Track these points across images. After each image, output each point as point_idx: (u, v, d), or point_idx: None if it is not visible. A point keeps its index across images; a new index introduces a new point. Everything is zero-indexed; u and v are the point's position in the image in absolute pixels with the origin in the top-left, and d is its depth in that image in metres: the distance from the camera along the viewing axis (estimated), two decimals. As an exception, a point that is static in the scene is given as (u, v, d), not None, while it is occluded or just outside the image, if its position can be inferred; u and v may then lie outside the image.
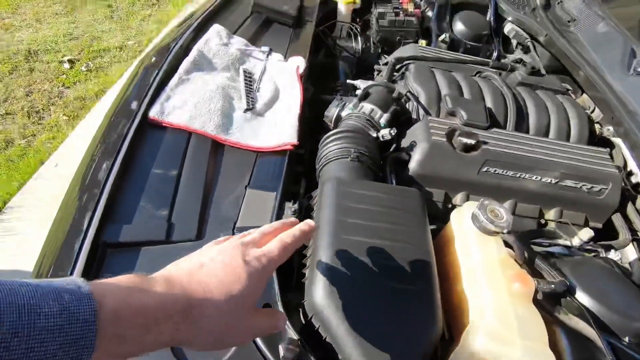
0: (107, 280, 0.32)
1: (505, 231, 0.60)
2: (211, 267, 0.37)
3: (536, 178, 0.80)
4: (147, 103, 0.75)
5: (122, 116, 0.74)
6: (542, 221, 0.84)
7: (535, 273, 0.63)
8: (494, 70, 1.05)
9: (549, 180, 0.80)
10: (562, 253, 0.74)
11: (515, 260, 0.60)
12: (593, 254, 0.76)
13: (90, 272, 0.54)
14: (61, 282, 0.29)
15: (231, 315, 0.36)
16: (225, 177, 0.70)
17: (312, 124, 1.00)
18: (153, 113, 0.73)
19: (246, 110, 0.83)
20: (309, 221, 0.45)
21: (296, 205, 0.65)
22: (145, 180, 0.65)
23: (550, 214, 0.84)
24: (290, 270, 0.64)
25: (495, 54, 1.24)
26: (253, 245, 0.40)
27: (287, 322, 0.52)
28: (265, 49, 0.99)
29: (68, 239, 0.57)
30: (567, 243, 0.74)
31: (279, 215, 0.65)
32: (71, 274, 0.52)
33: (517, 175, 0.80)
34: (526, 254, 0.61)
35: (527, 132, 0.91)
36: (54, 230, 0.64)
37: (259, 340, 0.51)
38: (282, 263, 0.41)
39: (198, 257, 0.39)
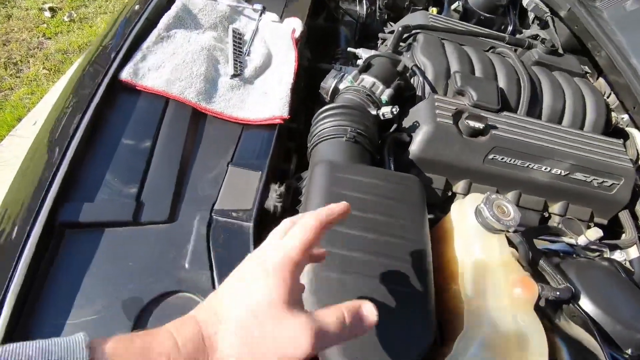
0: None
1: (511, 230, 0.54)
2: (228, 280, 0.32)
3: (545, 169, 0.74)
4: (120, 61, 0.66)
5: (92, 74, 0.65)
6: (546, 214, 0.79)
7: (538, 275, 0.58)
8: (509, 46, 0.95)
9: (558, 172, 0.74)
10: (566, 251, 0.69)
11: (519, 262, 0.55)
12: (597, 253, 0.72)
13: (45, 255, 0.47)
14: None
15: (256, 323, 0.28)
16: (205, 151, 0.63)
17: (308, 94, 0.92)
18: (125, 74, 0.64)
19: (233, 76, 0.74)
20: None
21: (282, 188, 0.59)
22: (113, 152, 0.57)
23: (555, 208, 0.79)
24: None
25: (510, 28, 1.14)
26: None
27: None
28: (259, 6, 0.89)
29: (22, 215, 0.50)
30: (572, 241, 0.69)
31: (262, 197, 0.58)
32: (20, 255, 0.45)
33: (526, 165, 0.74)
34: (531, 255, 0.56)
35: (540, 117, 0.84)
36: (15, 190, 0.56)
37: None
38: (313, 244, 0.33)
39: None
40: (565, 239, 0.69)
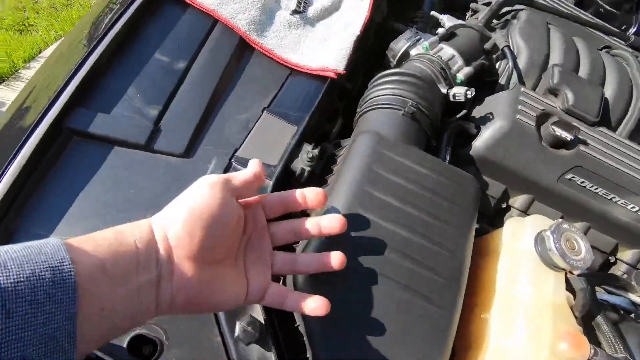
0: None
1: (575, 272, 0.44)
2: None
3: (632, 207, 0.61)
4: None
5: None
6: (612, 259, 0.67)
7: (589, 331, 0.48)
8: (631, 50, 0.78)
9: (646, 215, 0.61)
10: (628, 309, 0.57)
11: (572, 311, 0.45)
12: (665, 322, 0.59)
13: (44, 156, 0.43)
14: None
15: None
16: (242, 89, 0.55)
17: (374, 55, 0.80)
18: (176, -19, 0.57)
19: (294, 12, 0.64)
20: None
21: (316, 151, 0.51)
22: (143, 65, 0.51)
23: (627, 255, 0.66)
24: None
25: (633, 29, 0.94)
26: None
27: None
28: (343, -61, 0.76)
29: (35, 108, 0.46)
30: (639, 300, 0.57)
31: (292, 155, 0.51)
32: (20, 147, 0.41)
33: (609, 197, 0.61)
34: (589, 306, 0.46)
35: (644, 144, 0.68)
36: (43, 75, 0.53)
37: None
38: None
39: None
40: (633, 296, 0.57)
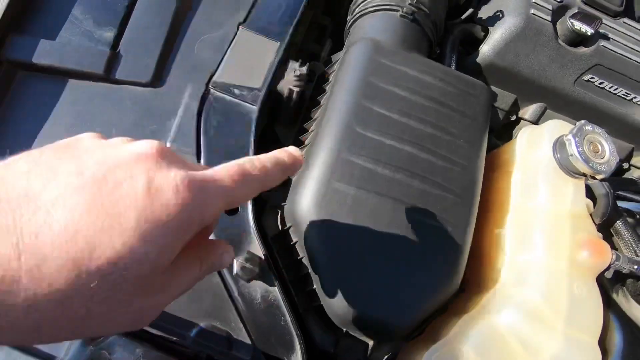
0: None
1: (599, 177, 0.40)
2: (83, 187, 0.19)
3: (653, 107, 0.56)
4: None
5: None
6: (625, 166, 0.63)
7: (608, 238, 0.45)
8: None
9: (669, 114, 0.56)
10: (642, 214, 0.55)
11: (591, 219, 0.42)
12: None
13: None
14: None
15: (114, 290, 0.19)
16: (210, 3, 0.47)
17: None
18: None
19: None
20: (292, 149, 0.28)
21: (305, 68, 0.44)
22: (86, -22, 0.42)
23: (641, 160, 0.63)
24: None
25: None
26: (182, 161, 0.23)
27: (253, 229, 0.38)
28: None
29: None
30: (656, 204, 0.54)
31: (277, 74, 0.45)
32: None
33: (629, 97, 0.55)
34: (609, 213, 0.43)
35: (669, 35, 0.61)
36: None
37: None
38: (235, 205, 0.27)
39: (55, 154, 0.21)
40: (648, 200, 0.55)
